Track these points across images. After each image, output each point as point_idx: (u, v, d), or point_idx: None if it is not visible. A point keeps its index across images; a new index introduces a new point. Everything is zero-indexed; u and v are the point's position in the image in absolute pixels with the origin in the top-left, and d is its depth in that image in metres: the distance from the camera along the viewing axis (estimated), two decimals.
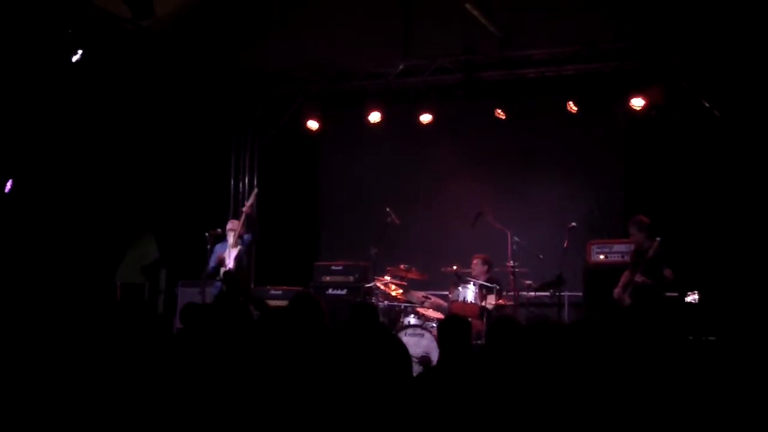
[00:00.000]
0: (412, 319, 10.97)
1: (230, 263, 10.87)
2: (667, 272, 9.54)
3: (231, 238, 11.08)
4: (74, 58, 11.04)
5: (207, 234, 10.98)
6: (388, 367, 3.83)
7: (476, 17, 11.61)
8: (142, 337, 5.31)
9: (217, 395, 3.80)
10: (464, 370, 4.04)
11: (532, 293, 11.57)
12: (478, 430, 3.41)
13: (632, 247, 10.37)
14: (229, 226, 11.26)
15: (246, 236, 11.26)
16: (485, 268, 11.33)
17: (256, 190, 11.73)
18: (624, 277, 9.97)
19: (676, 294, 10.02)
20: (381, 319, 10.78)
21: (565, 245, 10.73)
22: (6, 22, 10.24)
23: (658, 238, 9.70)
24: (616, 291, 9.95)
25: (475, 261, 11.37)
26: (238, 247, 11.03)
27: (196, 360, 4.56)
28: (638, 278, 9.68)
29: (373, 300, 11.35)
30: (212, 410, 3.74)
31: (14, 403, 3.96)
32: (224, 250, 11.04)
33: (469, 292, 11.10)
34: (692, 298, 9.86)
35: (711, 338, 9.28)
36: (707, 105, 11.33)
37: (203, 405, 3.79)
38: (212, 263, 11.00)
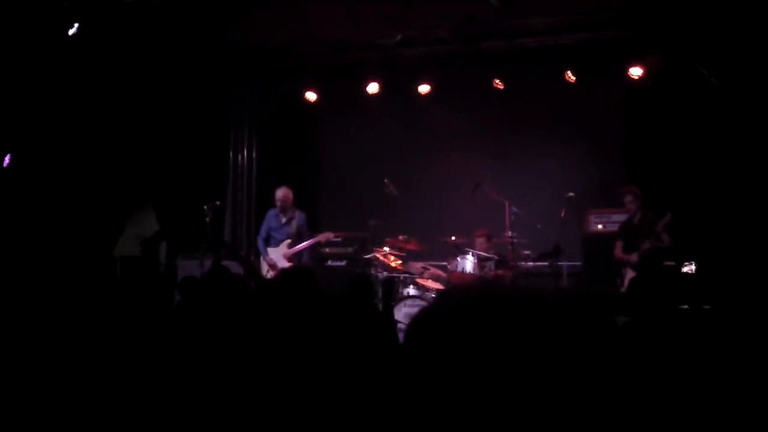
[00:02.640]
0: (411, 290, 11.03)
1: (284, 252, 10.78)
2: (665, 237, 9.71)
3: (283, 215, 11.01)
4: (70, 32, 11.01)
5: (205, 207, 10.99)
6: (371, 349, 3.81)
7: None
8: (142, 310, 5.34)
9: (212, 369, 3.83)
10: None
11: (531, 263, 11.61)
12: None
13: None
14: (279, 194, 11.18)
15: (299, 214, 11.19)
16: (488, 244, 11.38)
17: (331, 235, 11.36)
18: (618, 246, 10.10)
19: (673, 263, 10.08)
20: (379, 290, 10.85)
21: (562, 215, 10.75)
22: None
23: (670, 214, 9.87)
24: (617, 252, 10.10)
25: (478, 240, 11.39)
26: (292, 224, 11.01)
27: (192, 333, 4.59)
28: (647, 245, 9.79)
29: (372, 271, 11.39)
30: (207, 384, 3.77)
31: (12, 376, 3.98)
32: (277, 224, 11.03)
33: (468, 263, 11.15)
34: (689, 268, 9.91)
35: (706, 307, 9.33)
36: (705, 73, 11.30)
37: (199, 378, 3.82)
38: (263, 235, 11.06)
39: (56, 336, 4.58)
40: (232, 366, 3.96)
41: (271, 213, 11.26)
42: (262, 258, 11.15)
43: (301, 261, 11.06)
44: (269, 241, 11.18)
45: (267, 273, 10.74)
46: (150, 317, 5.19)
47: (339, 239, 11.85)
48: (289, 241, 10.90)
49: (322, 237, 10.91)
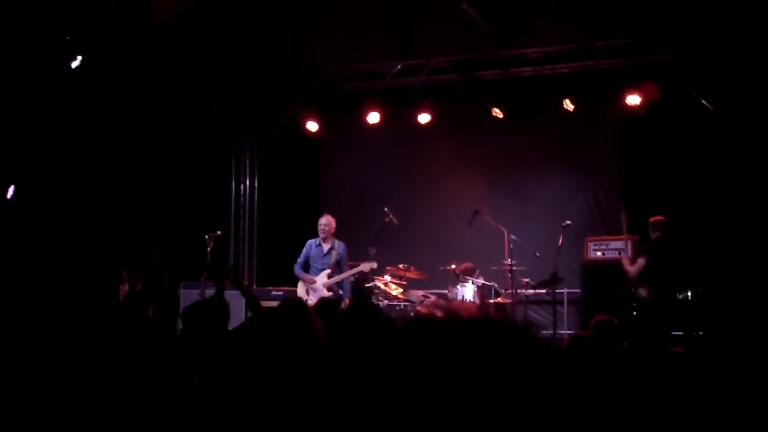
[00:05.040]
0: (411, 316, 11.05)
1: (322, 280, 10.70)
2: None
3: (325, 244, 10.90)
4: (74, 64, 11.16)
5: (207, 236, 11.05)
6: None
7: (471, 15, 11.74)
8: (141, 338, 5.41)
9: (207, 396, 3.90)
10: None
11: (531, 291, 11.69)
12: None
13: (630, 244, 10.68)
14: (323, 221, 10.95)
15: (339, 243, 10.93)
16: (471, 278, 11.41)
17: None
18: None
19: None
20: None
21: (559, 243, 10.83)
22: (5, 31, 10.36)
23: None
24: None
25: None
26: (332, 254, 10.81)
27: (192, 362, 4.66)
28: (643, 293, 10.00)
29: (373, 300, 11.42)
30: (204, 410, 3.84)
31: (14, 404, 4.06)
32: (318, 254, 10.91)
33: (468, 291, 11.21)
34: (683, 295, 9.95)
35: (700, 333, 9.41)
36: (701, 100, 11.38)
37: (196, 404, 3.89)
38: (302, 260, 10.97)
39: (57, 361, 4.66)
40: (224, 392, 4.03)
41: (312, 242, 11.01)
42: (300, 282, 11.06)
43: (343, 290, 10.95)
44: (307, 271, 11.04)
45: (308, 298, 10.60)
46: (152, 345, 5.26)
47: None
48: (328, 271, 10.76)
49: (365, 266, 10.75)
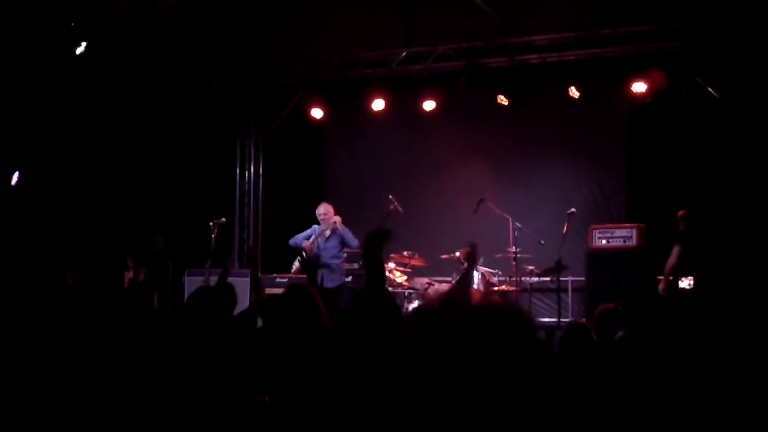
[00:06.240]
0: (416, 306, 11.08)
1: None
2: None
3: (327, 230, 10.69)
4: (78, 51, 11.16)
5: (211, 223, 11.04)
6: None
7: (477, 2, 11.71)
8: (144, 325, 5.40)
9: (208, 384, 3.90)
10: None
11: (535, 279, 11.68)
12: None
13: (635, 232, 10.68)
14: (321, 210, 10.80)
15: (345, 233, 10.75)
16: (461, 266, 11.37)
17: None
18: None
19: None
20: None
21: (564, 231, 10.82)
22: (10, 17, 10.36)
23: None
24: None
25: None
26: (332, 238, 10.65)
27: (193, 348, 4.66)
28: None
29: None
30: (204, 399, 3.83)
31: (14, 392, 4.06)
32: (322, 240, 10.81)
33: (473, 278, 11.20)
34: (687, 283, 9.92)
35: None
36: (708, 88, 11.34)
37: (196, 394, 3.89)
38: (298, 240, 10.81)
39: (62, 353, 4.66)
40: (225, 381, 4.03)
41: (318, 228, 10.93)
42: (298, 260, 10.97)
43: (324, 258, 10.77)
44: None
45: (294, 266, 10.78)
46: (156, 332, 5.25)
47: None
48: (312, 237, 10.64)
49: (327, 230, 10.56)
